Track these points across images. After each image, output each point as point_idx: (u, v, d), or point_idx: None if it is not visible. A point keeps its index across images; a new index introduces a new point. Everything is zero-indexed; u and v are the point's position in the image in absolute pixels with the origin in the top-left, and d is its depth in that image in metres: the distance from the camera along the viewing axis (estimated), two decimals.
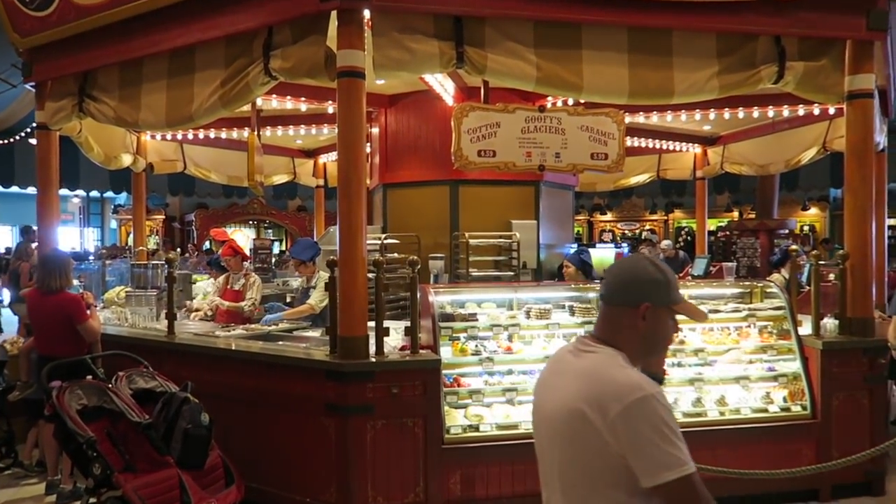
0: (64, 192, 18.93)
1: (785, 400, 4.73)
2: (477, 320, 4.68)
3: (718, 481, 3.71)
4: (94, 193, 20.38)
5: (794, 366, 4.86)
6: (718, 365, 4.85)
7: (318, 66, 4.18)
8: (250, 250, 11.59)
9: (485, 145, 5.42)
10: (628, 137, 8.04)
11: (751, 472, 3.77)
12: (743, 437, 4.58)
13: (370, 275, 4.35)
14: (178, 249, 13.56)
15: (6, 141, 15.85)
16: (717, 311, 5.02)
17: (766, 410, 4.68)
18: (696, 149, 9.93)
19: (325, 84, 4.33)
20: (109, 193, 20.44)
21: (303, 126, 8.37)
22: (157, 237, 20.08)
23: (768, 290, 5.32)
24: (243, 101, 4.70)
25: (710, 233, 14.33)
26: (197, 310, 6.73)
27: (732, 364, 4.85)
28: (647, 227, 21.64)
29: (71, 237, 19.13)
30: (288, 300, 7.80)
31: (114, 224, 22.18)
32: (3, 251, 16.74)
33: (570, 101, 6.55)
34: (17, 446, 5.53)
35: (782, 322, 5.02)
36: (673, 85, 4.54)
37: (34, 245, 10.42)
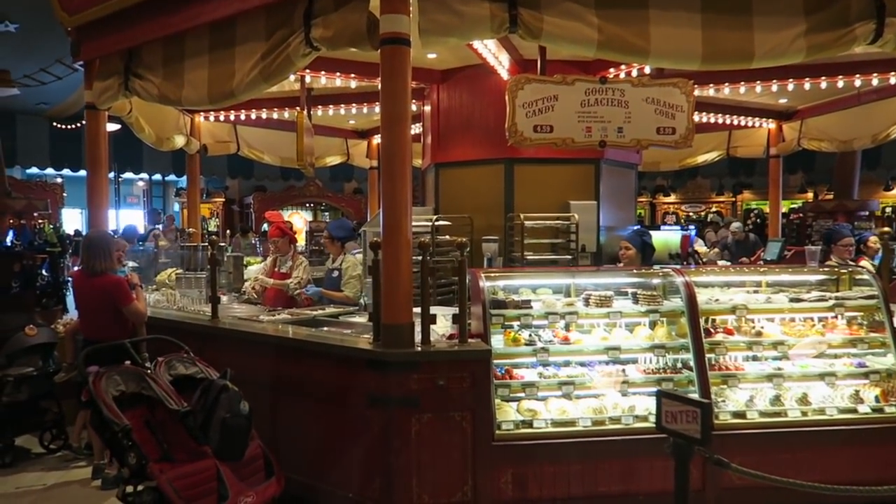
0: (129, 175, 19.46)
1: (877, 399, 4.23)
2: (531, 307, 4.35)
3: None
4: (157, 177, 20.88)
5: (888, 361, 4.36)
6: (800, 359, 4.38)
7: (360, 33, 3.90)
8: (306, 233, 11.52)
9: (541, 120, 5.06)
10: (696, 113, 7.52)
11: (847, 489, 2.81)
12: (828, 440, 4.11)
13: (416, 258, 4.07)
14: (228, 231, 13.60)
15: (73, 126, 16.31)
16: (798, 300, 4.54)
17: (854, 411, 4.19)
18: (771, 124, 9.29)
19: (373, 59, 4.06)
20: (172, 177, 20.92)
21: (354, 105, 8.17)
22: (217, 220, 20.39)
23: (858, 276, 4.79)
24: (284, 75, 4.47)
25: (783, 215, 13.53)
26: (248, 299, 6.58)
27: (816, 359, 4.39)
28: (714, 209, 20.78)
29: (137, 219, 19.52)
30: None
31: (177, 207, 22.67)
32: (73, 233, 17.24)
33: (634, 72, 6.12)
34: (68, 428, 5.52)
35: (874, 312, 4.51)
36: (753, 47, 4.04)
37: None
